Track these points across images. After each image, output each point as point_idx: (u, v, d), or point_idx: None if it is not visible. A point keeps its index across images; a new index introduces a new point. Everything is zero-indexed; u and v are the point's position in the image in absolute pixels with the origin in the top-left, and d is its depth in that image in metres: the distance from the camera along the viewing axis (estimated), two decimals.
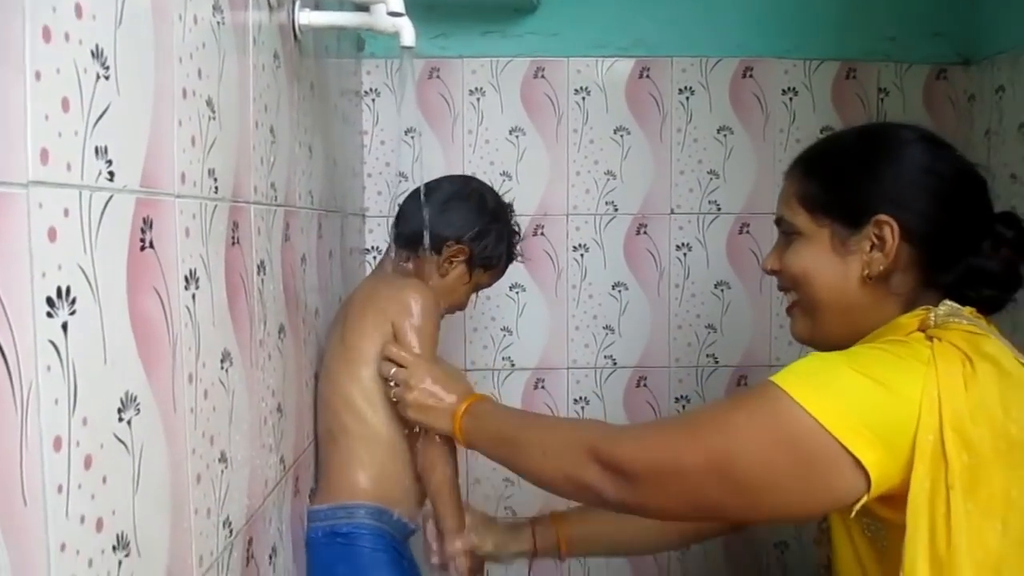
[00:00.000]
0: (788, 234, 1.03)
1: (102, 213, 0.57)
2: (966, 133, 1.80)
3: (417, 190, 1.30)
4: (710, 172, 1.82)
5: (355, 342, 1.22)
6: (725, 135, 1.81)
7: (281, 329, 1.05)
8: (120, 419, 0.60)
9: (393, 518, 1.22)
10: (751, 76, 1.80)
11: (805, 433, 0.84)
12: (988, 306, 0.97)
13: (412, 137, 1.79)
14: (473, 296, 1.43)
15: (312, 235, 1.25)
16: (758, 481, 0.87)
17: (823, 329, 1.01)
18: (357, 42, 1.73)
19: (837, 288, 0.98)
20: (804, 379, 0.87)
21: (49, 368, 0.50)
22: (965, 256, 0.96)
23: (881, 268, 0.94)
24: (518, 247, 1.41)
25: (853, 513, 0.85)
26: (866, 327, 0.97)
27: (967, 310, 0.94)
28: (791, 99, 1.81)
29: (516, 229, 1.39)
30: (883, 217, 0.94)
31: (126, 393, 0.61)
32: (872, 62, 1.81)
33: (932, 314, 0.92)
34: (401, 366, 1.17)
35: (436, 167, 1.78)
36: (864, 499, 0.83)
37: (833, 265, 0.97)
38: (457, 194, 1.33)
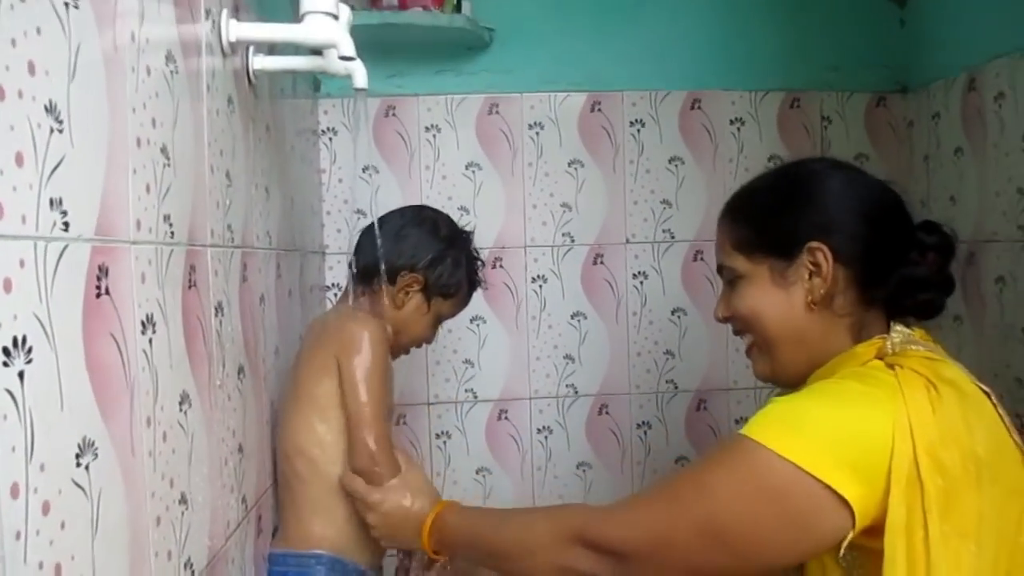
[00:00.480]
0: (731, 280, 1.06)
1: (57, 262, 0.58)
2: (907, 158, 1.87)
3: (373, 223, 1.28)
4: (663, 202, 1.86)
5: (306, 386, 1.20)
6: (676, 165, 1.86)
7: (240, 370, 1.06)
8: (78, 464, 0.61)
9: (348, 568, 1.20)
10: (699, 108, 1.86)
11: (785, 479, 0.84)
12: (927, 311, 1.01)
13: (370, 174, 1.81)
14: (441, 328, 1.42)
15: (271, 275, 1.26)
16: (748, 537, 0.88)
17: (782, 362, 1.04)
18: (313, 82, 1.76)
19: (785, 319, 1.01)
20: (774, 426, 0.88)
21: (5, 417, 0.51)
22: (896, 267, 1.00)
23: (822, 292, 0.98)
24: (480, 273, 1.39)
25: (842, 551, 0.86)
26: (822, 354, 1.00)
27: (917, 333, 0.99)
28: (739, 129, 1.87)
29: (476, 255, 1.37)
30: (814, 244, 0.98)
31: (83, 439, 0.61)
32: (815, 91, 1.88)
33: (888, 342, 0.96)
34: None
35: (394, 203, 1.78)
36: (850, 536, 0.84)
37: (777, 298, 1.01)
38: (410, 223, 1.32)
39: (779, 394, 1.01)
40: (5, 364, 0.51)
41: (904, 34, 1.87)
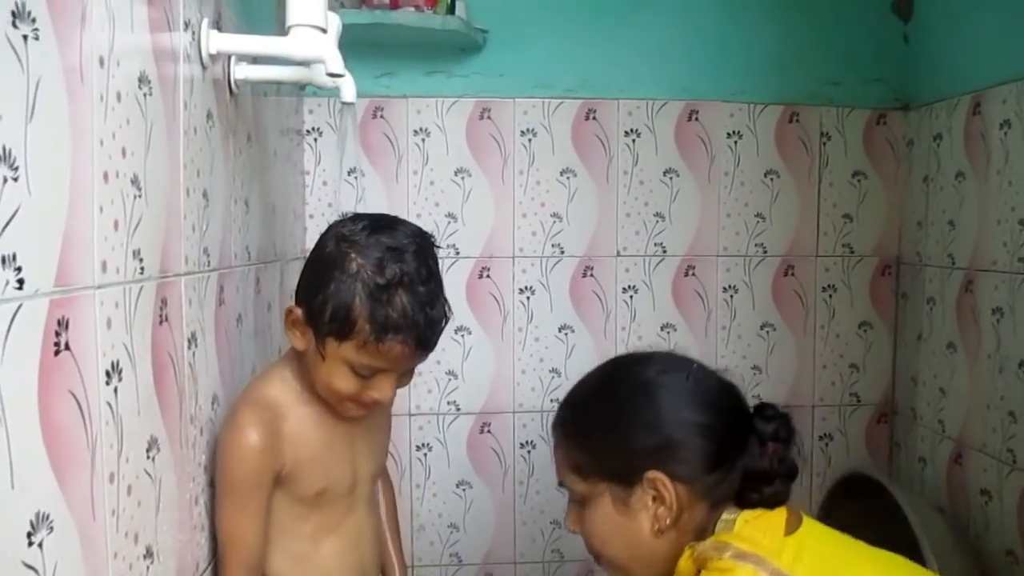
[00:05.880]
0: (574, 499, 1.01)
1: (9, 326, 0.52)
2: (905, 177, 1.84)
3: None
4: (656, 214, 1.81)
5: None
6: (671, 177, 1.81)
7: (214, 399, 1.01)
8: (30, 543, 0.55)
9: None
10: (696, 119, 1.81)
11: None
12: (774, 502, 0.96)
13: (355, 177, 1.75)
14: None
15: (249, 291, 1.20)
16: None
17: None
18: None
19: (634, 546, 0.97)
20: None
21: None
22: (738, 463, 0.96)
23: (668, 520, 0.94)
24: (412, 313, 0.93)
25: None
26: (672, 569, 0.96)
27: (741, 521, 0.93)
28: (736, 142, 1.82)
29: (394, 279, 0.93)
30: (651, 474, 0.93)
31: (36, 514, 0.56)
32: (815, 106, 1.83)
33: (696, 551, 0.91)
34: None
35: (379, 208, 1.75)
36: None
37: (623, 526, 0.96)
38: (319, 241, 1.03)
39: None
40: None
41: (908, 50, 1.83)
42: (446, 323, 1.01)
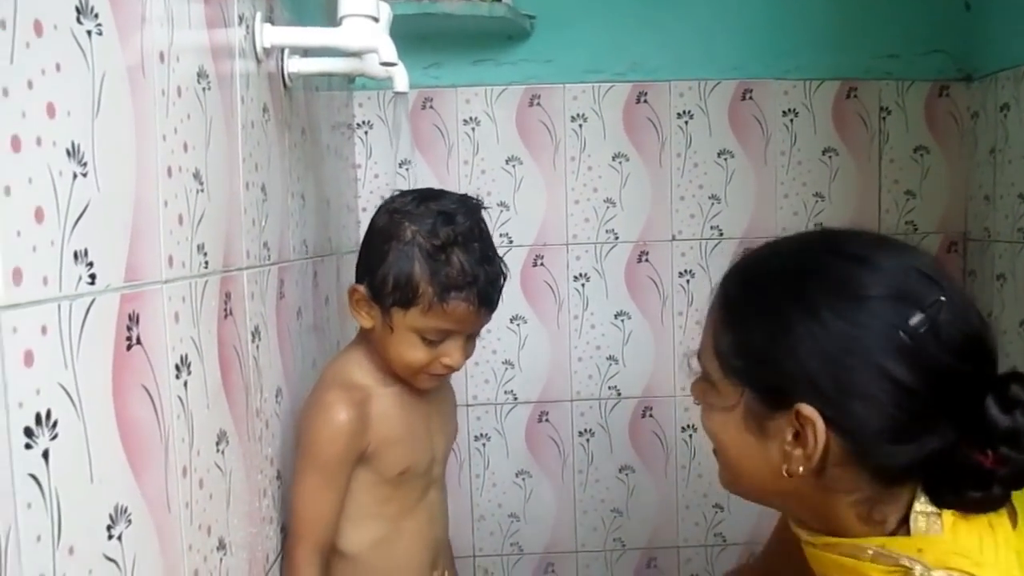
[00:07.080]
0: (707, 379, 0.80)
1: (83, 321, 0.53)
2: (970, 151, 1.77)
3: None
4: (711, 197, 1.78)
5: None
6: (726, 159, 1.78)
7: (278, 392, 1.01)
8: (110, 536, 0.56)
9: None
10: (750, 98, 1.77)
11: None
12: (978, 507, 0.71)
13: (407, 169, 1.75)
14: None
15: (307, 285, 1.21)
16: None
17: (752, 495, 0.82)
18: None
19: (755, 470, 0.76)
20: None
21: (30, 505, 0.46)
22: (934, 443, 0.69)
23: (800, 469, 0.72)
24: (471, 270, 0.96)
25: None
26: (815, 516, 0.77)
27: (950, 516, 0.70)
28: (792, 120, 1.77)
29: (449, 239, 0.96)
30: (806, 409, 0.70)
31: (115, 507, 0.57)
32: (873, 80, 1.78)
33: (916, 572, 0.68)
34: None
35: None
36: None
37: (748, 444, 0.75)
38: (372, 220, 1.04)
39: None
40: (28, 446, 0.46)
41: (969, 19, 1.76)
42: (504, 280, 1.02)
